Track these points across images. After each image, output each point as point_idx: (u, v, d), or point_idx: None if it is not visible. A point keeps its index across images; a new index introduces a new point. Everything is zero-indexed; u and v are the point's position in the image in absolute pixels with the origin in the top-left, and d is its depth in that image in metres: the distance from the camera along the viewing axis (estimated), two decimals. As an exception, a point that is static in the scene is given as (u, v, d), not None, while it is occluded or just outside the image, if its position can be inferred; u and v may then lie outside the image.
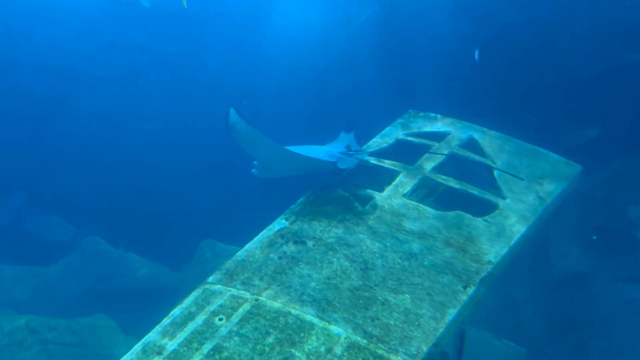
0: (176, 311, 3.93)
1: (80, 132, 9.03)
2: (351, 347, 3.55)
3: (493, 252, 4.41)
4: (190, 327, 3.77)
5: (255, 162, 5.13)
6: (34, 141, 8.95)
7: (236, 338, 3.64)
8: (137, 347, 3.64)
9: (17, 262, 8.32)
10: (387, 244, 4.35)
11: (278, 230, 4.60)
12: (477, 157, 5.44)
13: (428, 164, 5.26)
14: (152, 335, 3.73)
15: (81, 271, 8.49)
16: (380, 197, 4.85)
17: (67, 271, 8.47)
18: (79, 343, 6.88)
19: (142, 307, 8.21)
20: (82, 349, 6.87)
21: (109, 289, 8.42)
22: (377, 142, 5.66)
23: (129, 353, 3.60)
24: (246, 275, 4.18)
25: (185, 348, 3.59)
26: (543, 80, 7.17)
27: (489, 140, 5.70)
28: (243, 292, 4.02)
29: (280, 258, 4.31)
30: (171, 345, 3.62)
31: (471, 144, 5.65)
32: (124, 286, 8.50)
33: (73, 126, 8.98)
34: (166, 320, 3.86)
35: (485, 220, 4.71)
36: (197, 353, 3.54)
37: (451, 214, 4.71)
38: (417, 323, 3.72)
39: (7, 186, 8.89)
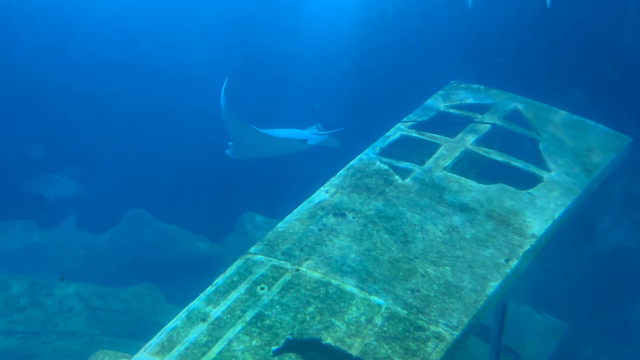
0: (219, 280, 4.02)
1: (130, 108, 9.26)
2: (391, 317, 3.58)
3: (537, 225, 4.33)
4: (233, 295, 3.86)
5: (229, 143, 5.46)
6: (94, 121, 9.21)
7: (277, 307, 3.72)
8: (182, 313, 3.75)
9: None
10: (428, 217, 4.33)
11: (318, 203, 4.63)
12: (520, 129, 5.31)
13: (470, 137, 5.17)
14: (197, 303, 3.83)
15: (126, 242, 8.77)
16: (420, 170, 4.81)
17: (113, 242, 8.76)
18: (126, 310, 7.15)
19: (184, 277, 8.45)
20: (129, 316, 7.14)
21: (153, 259, 8.68)
22: (418, 113, 5.59)
23: (175, 319, 3.72)
24: (287, 246, 4.24)
25: (228, 315, 3.68)
26: (591, 54, 6.96)
27: (534, 112, 5.56)
28: (284, 262, 4.08)
29: (320, 230, 4.34)
30: (215, 312, 3.72)
31: (515, 116, 5.52)
32: (167, 257, 8.75)
33: (124, 104, 9.23)
34: (210, 289, 3.96)
35: (529, 193, 4.62)
36: (240, 320, 3.63)
37: (494, 186, 4.64)
38: (457, 295, 3.72)
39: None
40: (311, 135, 6.00)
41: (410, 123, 5.43)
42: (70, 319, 6.74)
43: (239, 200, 9.61)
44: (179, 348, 3.46)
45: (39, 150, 9.13)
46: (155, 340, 3.54)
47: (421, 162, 4.92)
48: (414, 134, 5.27)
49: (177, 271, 8.64)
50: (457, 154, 4.96)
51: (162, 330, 3.63)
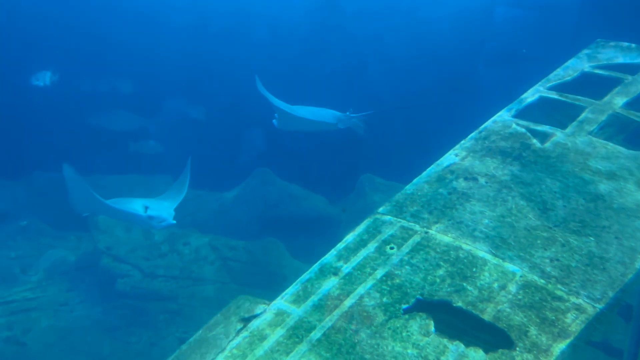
0: (349, 237, 4.12)
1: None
2: (527, 286, 3.47)
3: (695, 197, 3.93)
4: (363, 253, 3.93)
5: (275, 115, 6.20)
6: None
7: (407, 267, 3.74)
8: (315, 266, 3.90)
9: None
10: (570, 184, 4.08)
11: (447, 166, 4.54)
12: (679, 92, 4.80)
13: (619, 99, 4.76)
14: (328, 258, 3.96)
15: (252, 198, 9.21)
16: (562, 134, 4.52)
17: (241, 198, 9.23)
18: (254, 262, 7.57)
19: (306, 234, 8.75)
20: (257, 267, 7.55)
21: (277, 215, 9.05)
22: (560, 74, 5.23)
23: (308, 272, 3.88)
24: (415, 208, 4.22)
25: (359, 272, 3.77)
26: None
27: (696, 73, 4.98)
28: (412, 224, 4.07)
29: (449, 193, 4.27)
30: (346, 267, 3.83)
31: (673, 77, 4.99)
32: (289, 214, 9.08)
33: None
34: (340, 245, 4.07)
35: (687, 162, 4.19)
36: (371, 277, 3.71)
37: (646, 153, 4.26)
38: (602, 267, 3.50)
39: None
40: (342, 118, 6.78)
41: (550, 84, 5.10)
42: (205, 267, 7.26)
43: (358, 162, 9.70)
44: (313, 299, 3.62)
45: (198, 110, 9.74)
46: (291, 289, 3.72)
47: (562, 126, 4.62)
48: (554, 95, 4.95)
49: (299, 228, 8.95)
50: (603, 117, 4.59)
51: (297, 281, 3.81)
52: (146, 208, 5.47)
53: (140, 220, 5.48)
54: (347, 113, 7.00)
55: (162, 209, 5.55)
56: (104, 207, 5.48)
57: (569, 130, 4.56)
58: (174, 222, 5.45)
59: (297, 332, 3.41)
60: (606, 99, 4.79)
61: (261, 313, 3.61)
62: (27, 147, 8.59)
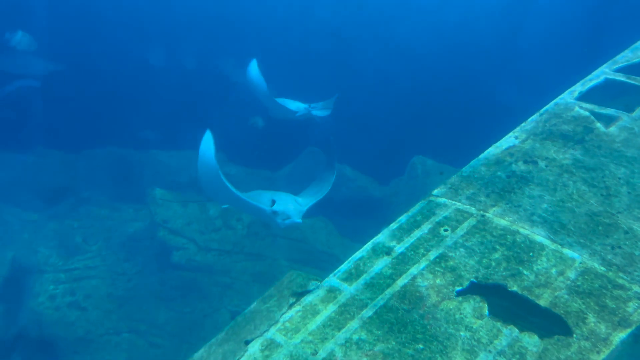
0: (403, 218, 4.10)
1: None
2: (586, 272, 3.38)
3: None
4: (416, 234, 3.92)
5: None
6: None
7: (461, 249, 3.71)
8: (368, 245, 3.92)
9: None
10: (636, 170, 3.93)
11: (507, 149, 4.44)
12: None
13: (692, 82, 4.53)
14: (381, 237, 3.96)
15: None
16: (628, 117, 4.35)
17: (290, 177, 9.32)
18: (303, 239, 7.67)
19: (355, 215, 8.78)
20: (305, 244, 7.65)
21: (326, 196, 9.10)
22: (627, 56, 5.00)
23: (361, 250, 3.90)
24: (471, 190, 4.16)
25: (412, 252, 3.76)
26: None
27: None
28: (468, 206, 4.02)
29: (508, 177, 4.18)
30: (399, 248, 3.82)
31: None
32: (339, 194, 9.11)
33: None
34: (393, 225, 4.06)
35: None
36: (424, 258, 3.70)
37: None
38: (668, 257, 3.38)
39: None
40: (302, 109, 7.65)
41: (617, 66, 4.89)
42: (256, 242, 7.41)
43: (410, 144, 9.62)
44: (365, 277, 3.64)
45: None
46: (343, 267, 3.76)
47: (629, 110, 4.44)
48: (621, 78, 4.75)
49: (348, 208, 8.98)
50: (675, 101, 4.38)
51: (349, 259, 3.83)
52: (273, 202, 4.96)
53: (264, 215, 5.01)
54: (307, 106, 8.01)
55: (290, 205, 4.95)
56: (232, 196, 4.97)
57: (636, 114, 4.37)
58: (300, 221, 4.86)
59: (349, 308, 3.45)
60: (679, 82, 4.57)
61: (314, 289, 3.67)
62: (87, 123, 8.91)
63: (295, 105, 8.11)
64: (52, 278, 6.50)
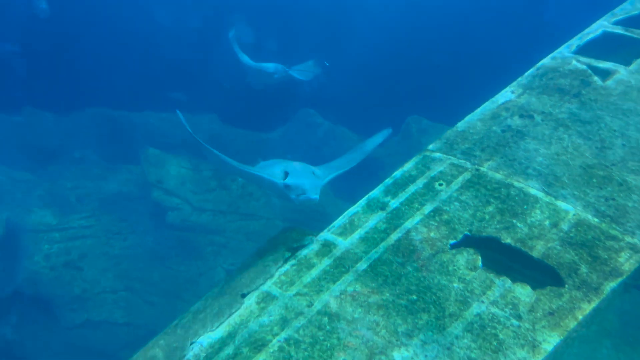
0: (397, 173, 4.09)
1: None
2: (580, 224, 3.40)
3: None
4: (411, 188, 3.91)
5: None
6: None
7: (456, 203, 3.71)
8: (362, 201, 3.92)
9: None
10: (631, 122, 3.91)
11: (502, 103, 4.41)
12: None
13: (690, 35, 4.47)
14: (376, 193, 3.96)
15: (297, 139, 9.22)
16: (625, 71, 4.30)
17: (285, 139, 9.26)
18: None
19: (350, 175, 8.75)
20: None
21: (321, 157, 9.05)
22: (626, 9, 4.92)
23: (355, 206, 3.90)
24: (466, 145, 4.14)
25: (406, 207, 3.77)
26: None
27: None
28: (463, 161, 4.01)
29: (503, 131, 4.16)
30: (393, 203, 3.82)
31: None
32: (334, 156, 9.03)
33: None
34: (388, 181, 4.05)
35: None
36: (418, 213, 3.70)
37: None
38: (661, 208, 3.39)
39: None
40: (279, 70, 7.66)
41: (616, 19, 4.82)
42: (251, 203, 7.41)
43: (405, 104, 9.54)
44: (360, 231, 3.65)
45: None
46: (338, 222, 3.76)
47: (626, 63, 4.39)
48: (619, 30, 4.68)
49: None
50: (673, 54, 4.34)
51: (344, 214, 3.84)
52: (286, 175, 4.30)
53: (276, 189, 4.37)
54: (285, 67, 8.04)
55: (306, 178, 4.25)
56: (239, 170, 4.42)
57: (633, 67, 4.33)
58: (316, 197, 4.13)
59: (344, 262, 3.47)
60: (677, 34, 4.51)
61: (309, 243, 3.68)
62: (78, 83, 8.77)
63: (273, 67, 8.06)
64: (46, 238, 6.50)
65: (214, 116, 9.54)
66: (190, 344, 3.18)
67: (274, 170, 4.44)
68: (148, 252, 6.62)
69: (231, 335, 3.18)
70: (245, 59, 7.96)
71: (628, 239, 3.28)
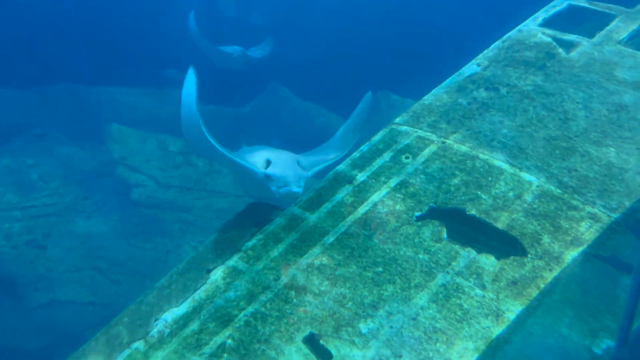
0: (364, 147, 4.08)
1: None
2: (543, 195, 3.44)
3: None
4: (378, 162, 3.91)
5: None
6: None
7: (422, 176, 3.72)
8: (330, 175, 3.90)
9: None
10: (593, 94, 3.96)
11: (469, 76, 4.41)
12: None
13: (652, 8, 4.52)
14: (343, 167, 3.95)
15: (267, 115, 9.11)
16: (589, 43, 4.34)
17: (255, 114, 9.14)
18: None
19: (320, 152, 8.70)
20: (270, 181, 7.55)
21: (292, 133, 8.99)
22: (590, -19, 4.96)
23: (322, 180, 3.88)
24: (433, 118, 4.14)
25: (373, 180, 3.76)
26: None
27: None
28: (429, 134, 4.01)
29: (469, 103, 4.17)
30: (360, 176, 3.81)
31: None
32: (304, 132, 8.99)
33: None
34: (355, 154, 4.04)
35: None
36: (385, 186, 3.70)
37: (677, 64, 4.09)
38: (620, 177, 3.45)
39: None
40: (237, 51, 7.91)
41: (579, -8, 4.85)
42: (218, 180, 7.30)
43: (376, 78, 9.49)
44: (327, 205, 3.63)
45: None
46: (305, 196, 3.74)
47: (590, 35, 4.43)
48: (583, 3, 4.71)
49: (312, 145, 8.88)
50: (634, 26, 4.38)
51: (311, 189, 3.81)
52: (268, 163, 3.83)
53: (256, 179, 3.87)
54: (243, 48, 8.26)
55: (289, 169, 3.76)
56: (216, 153, 3.81)
57: (596, 39, 4.37)
58: (299, 190, 3.60)
59: (311, 236, 3.46)
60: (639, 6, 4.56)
61: (276, 217, 3.65)
62: (39, 57, 8.47)
63: (231, 49, 8.15)
64: (7, 216, 6.30)
65: (179, 91, 9.32)
66: (155, 321, 3.14)
67: (255, 158, 3.97)
68: (114, 231, 6.48)
69: (196, 311, 3.15)
70: (204, 42, 7.87)
71: (589, 208, 3.34)
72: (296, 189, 3.63)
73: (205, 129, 3.60)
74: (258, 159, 3.95)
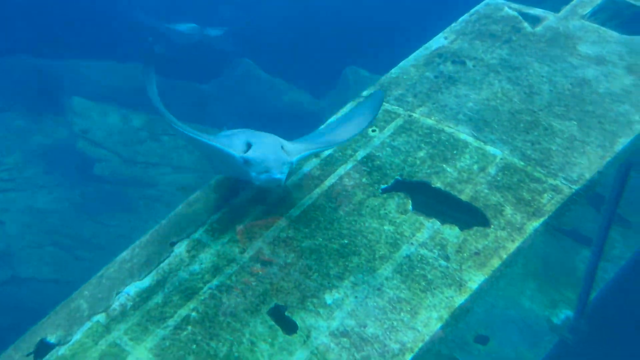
0: (332, 120, 4.05)
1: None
2: (506, 168, 3.48)
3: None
4: (345, 135, 3.87)
5: None
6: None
7: (388, 149, 3.72)
8: (295, 148, 3.84)
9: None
10: (558, 68, 4.00)
11: (436, 49, 4.40)
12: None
13: (616, -16, 4.57)
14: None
15: (234, 90, 8.99)
16: (554, 17, 4.38)
17: (221, 90, 9.00)
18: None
19: (289, 129, 8.64)
20: (239, 158, 7.47)
21: (259, 109, 8.89)
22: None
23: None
24: (399, 91, 4.14)
25: (340, 153, 3.74)
26: None
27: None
28: (396, 107, 4.01)
29: (436, 77, 4.17)
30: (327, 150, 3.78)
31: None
32: (272, 109, 8.92)
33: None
34: (322, 128, 4.01)
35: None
36: (351, 159, 3.69)
37: (638, 38, 4.14)
38: (582, 150, 3.52)
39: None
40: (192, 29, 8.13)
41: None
42: (184, 155, 7.21)
43: (343, 55, 9.43)
44: (294, 178, 3.61)
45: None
46: (271, 170, 3.68)
47: (556, 10, 4.47)
48: (549, -22, 4.74)
49: (279, 122, 8.81)
50: (598, 1, 4.43)
51: (277, 161, 3.76)
52: (248, 147, 3.40)
53: (234, 164, 3.40)
54: (197, 26, 8.46)
55: (271, 153, 3.34)
56: (184, 135, 3.49)
57: (561, 14, 4.41)
58: (281, 177, 3.23)
59: (277, 209, 3.43)
60: (603, -17, 4.61)
61: (242, 191, 3.60)
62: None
63: (186, 27, 8.07)
64: (-37, 192, 6.12)
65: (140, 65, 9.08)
66: (117, 294, 3.08)
67: (233, 140, 3.57)
68: (76, 206, 6.35)
69: (160, 284, 3.11)
70: (152, 21, 7.66)
71: (551, 181, 3.39)
72: (278, 175, 3.29)
73: (175, 118, 3.37)
74: (237, 141, 3.56)
